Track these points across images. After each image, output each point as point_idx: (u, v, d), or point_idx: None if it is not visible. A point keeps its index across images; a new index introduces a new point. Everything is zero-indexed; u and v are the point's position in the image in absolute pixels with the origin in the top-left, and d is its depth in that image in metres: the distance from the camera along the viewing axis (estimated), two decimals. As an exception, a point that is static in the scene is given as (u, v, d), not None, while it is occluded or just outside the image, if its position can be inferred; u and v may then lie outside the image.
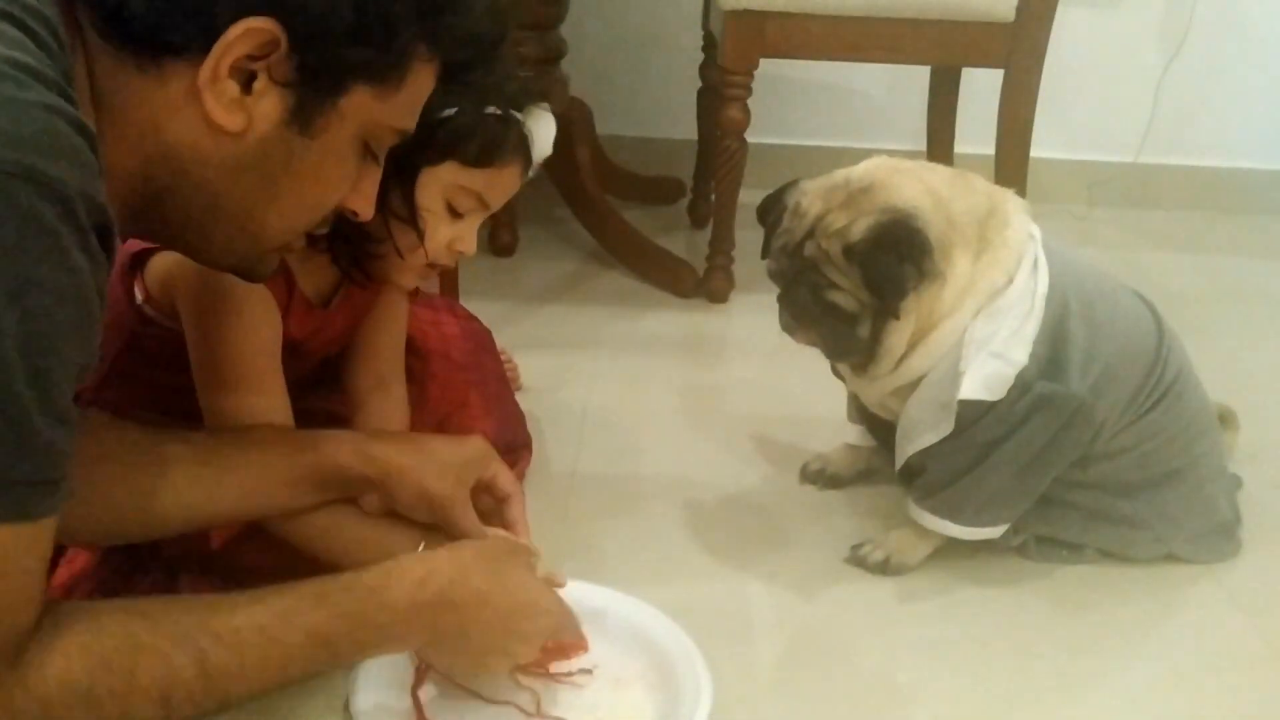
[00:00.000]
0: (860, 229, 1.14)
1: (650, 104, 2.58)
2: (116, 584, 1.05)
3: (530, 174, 1.09)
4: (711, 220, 2.02)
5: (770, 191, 1.26)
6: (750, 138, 1.93)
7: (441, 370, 1.33)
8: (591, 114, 2.35)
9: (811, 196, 1.19)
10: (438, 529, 1.00)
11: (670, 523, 1.34)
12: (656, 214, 2.41)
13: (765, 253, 1.25)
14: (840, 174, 1.20)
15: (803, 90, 2.57)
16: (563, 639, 0.95)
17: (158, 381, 1.06)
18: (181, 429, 0.98)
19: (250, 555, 1.03)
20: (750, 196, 1.99)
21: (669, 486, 1.41)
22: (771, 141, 2.38)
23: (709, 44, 2.26)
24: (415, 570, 0.87)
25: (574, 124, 2.21)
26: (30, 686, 0.68)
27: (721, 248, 2.00)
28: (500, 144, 1.02)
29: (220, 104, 0.71)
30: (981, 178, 1.23)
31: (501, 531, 1.03)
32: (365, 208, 0.87)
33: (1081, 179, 2.64)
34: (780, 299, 1.24)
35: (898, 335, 1.17)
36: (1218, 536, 1.29)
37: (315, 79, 0.73)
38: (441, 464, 1.00)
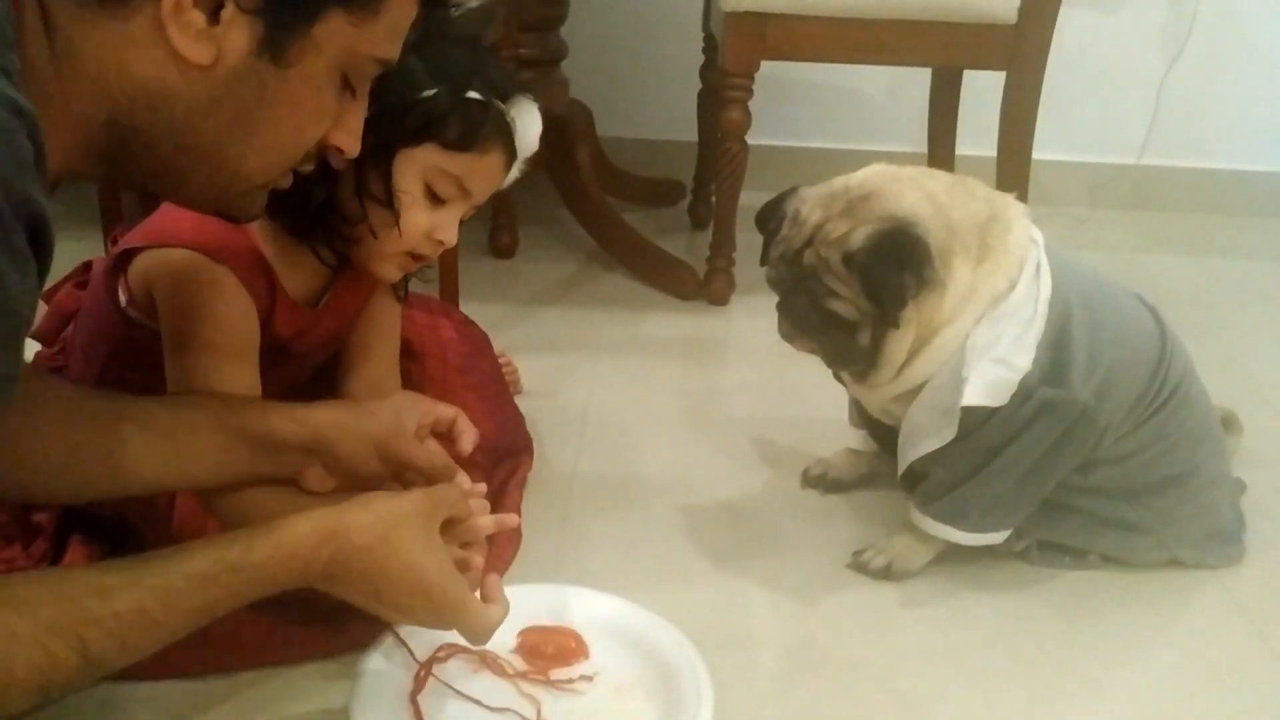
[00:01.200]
0: (860, 237, 1.13)
1: (650, 106, 2.58)
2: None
3: (518, 170, 1.08)
4: (712, 222, 2.02)
5: (770, 196, 1.26)
6: (750, 140, 1.92)
7: (439, 373, 1.32)
8: (592, 116, 2.34)
9: (811, 204, 1.18)
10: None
11: (670, 527, 1.33)
12: (657, 216, 2.40)
13: (764, 260, 1.24)
14: (839, 181, 1.19)
15: (803, 92, 2.57)
16: (443, 626, 0.92)
17: (146, 386, 1.05)
18: (132, 396, 0.95)
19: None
20: (751, 199, 1.99)
21: (669, 490, 1.41)
22: (772, 143, 2.38)
23: (709, 46, 2.25)
24: (303, 543, 0.83)
25: (574, 126, 2.21)
26: None
27: (722, 250, 1.99)
28: (480, 127, 1.01)
29: (186, 35, 0.68)
30: (982, 184, 1.22)
31: (441, 487, 0.98)
32: (350, 143, 0.83)
33: (1083, 181, 2.63)
34: (779, 307, 1.23)
35: (898, 343, 1.16)
36: (1222, 542, 1.29)
37: (286, 5, 0.70)
38: (376, 412, 1.00)
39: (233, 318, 1.01)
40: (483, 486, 1.05)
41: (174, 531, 1.04)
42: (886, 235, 1.12)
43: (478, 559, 0.97)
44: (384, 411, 1.00)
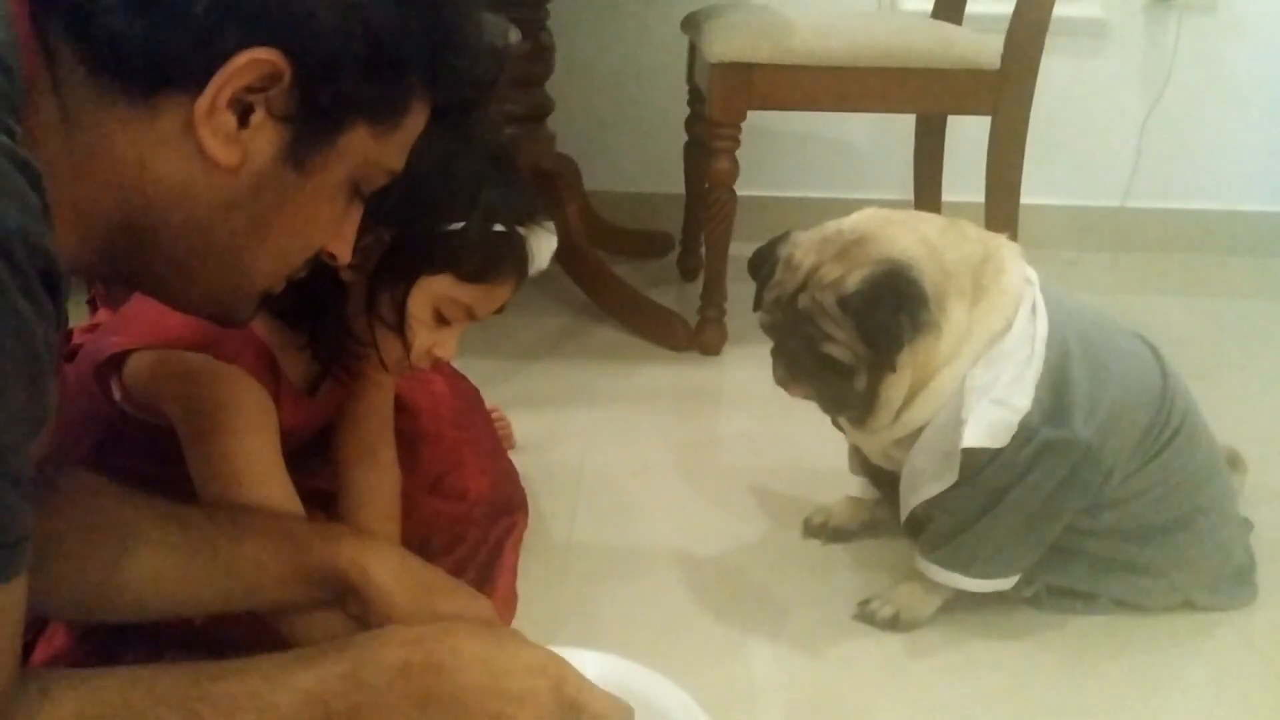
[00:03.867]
0: (854, 281, 1.12)
1: (637, 159, 2.59)
2: (97, 663, 1.00)
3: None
4: (703, 272, 2.01)
5: (759, 244, 1.25)
6: (738, 190, 1.92)
7: (433, 428, 1.30)
8: (579, 170, 2.35)
9: (804, 248, 1.17)
10: None
11: (670, 583, 1.30)
12: (646, 268, 2.40)
13: (757, 305, 1.23)
14: (832, 225, 1.19)
15: (787, 142, 2.59)
16: (564, 695, 0.88)
17: (142, 472, 1.02)
18: (176, 505, 0.93)
19: (235, 631, 0.99)
20: (739, 249, 1.99)
21: (668, 545, 1.38)
22: (758, 193, 2.39)
23: (694, 99, 2.27)
24: (407, 633, 0.83)
25: (561, 180, 2.21)
26: None
27: (713, 299, 1.98)
28: (501, 263, 1.01)
29: (216, 137, 0.68)
30: (974, 225, 1.22)
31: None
32: (344, 251, 0.83)
33: (1070, 224, 2.65)
34: (774, 352, 1.21)
35: (895, 388, 1.15)
36: (1234, 582, 1.26)
37: (316, 115, 0.70)
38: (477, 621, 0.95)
39: (256, 416, 0.98)
40: None
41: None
42: (882, 278, 1.11)
43: None
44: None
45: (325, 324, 1.01)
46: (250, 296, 0.81)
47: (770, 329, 1.21)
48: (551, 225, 1.06)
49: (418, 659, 0.81)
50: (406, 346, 1.01)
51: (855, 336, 1.13)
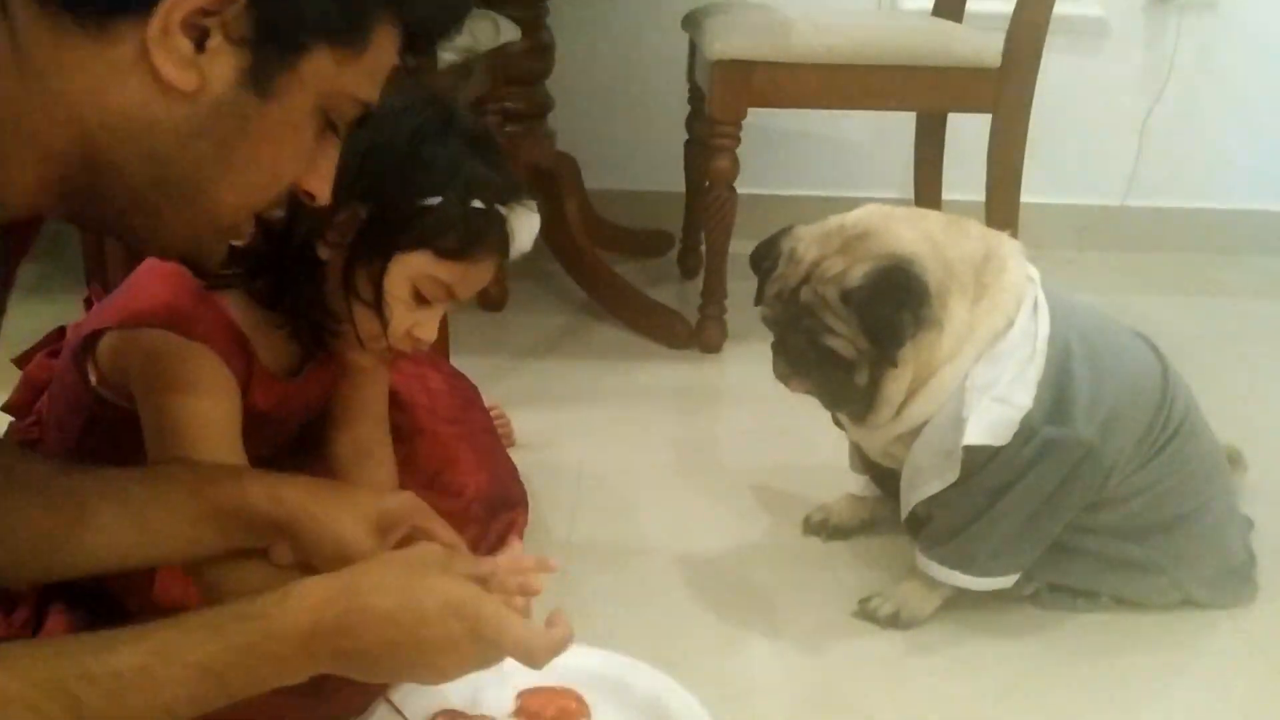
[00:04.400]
0: (858, 275, 1.12)
1: (637, 158, 2.59)
2: None
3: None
4: (703, 270, 2.01)
5: (761, 239, 1.25)
6: (738, 188, 1.92)
7: (429, 424, 1.29)
8: (579, 168, 2.35)
9: (807, 242, 1.17)
10: None
11: (671, 580, 1.30)
12: (646, 266, 2.40)
13: (759, 299, 1.23)
14: (834, 220, 1.18)
15: (787, 139, 2.59)
16: (483, 635, 0.82)
17: (123, 461, 1.02)
18: (107, 471, 0.91)
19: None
20: (740, 246, 1.99)
21: (669, 543, 1.38)
22: (758, 191, 2.39)
23: (694, 97, 2.27)
24: (313, 595, 0.79)
25: (562, 178, 2.21)
26: None
27: (714, 297, 1.98)
28: (480, 240, 0.98)
29: (171, 61, 0.66)
30: (976, 223, 1.22)
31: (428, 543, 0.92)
32: (322, 189, 0.80)
33: (1070, 222, 2.65)
34: (774, 346, 1.21)
35: (896, 384, 1.15)
36: (1234, 580, 1.26)
37: (273, 36, 0.68)
38: (359, 512, 0.92)
39: (213, 387, 0.97)
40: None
41: (154, 599, 1.00)
42: (885, 273, 1.11)
43: (518, 599, 0.89)
44: (367, 522, 0.93)
45: (302, 302, 1.00)
46: (220, 232, 0.78)
47: (771, 323, 1.21)
48: (534, 205, 1.03)
49: (327, 621, 0.78)
50: (384, 324, 0.99)
51: (857, 331, 1.12)
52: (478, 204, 0.97)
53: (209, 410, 0.96)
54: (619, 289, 2.13)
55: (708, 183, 1.93)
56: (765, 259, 1.22)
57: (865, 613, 1.22)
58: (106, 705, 0.70)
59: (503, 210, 0.99)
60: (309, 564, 0.91)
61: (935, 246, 1.15)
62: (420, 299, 1.00)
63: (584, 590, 1.27)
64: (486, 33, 1.79)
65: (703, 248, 2.02)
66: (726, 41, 1.83)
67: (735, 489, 1.52)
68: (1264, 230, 2.70)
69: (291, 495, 0.91)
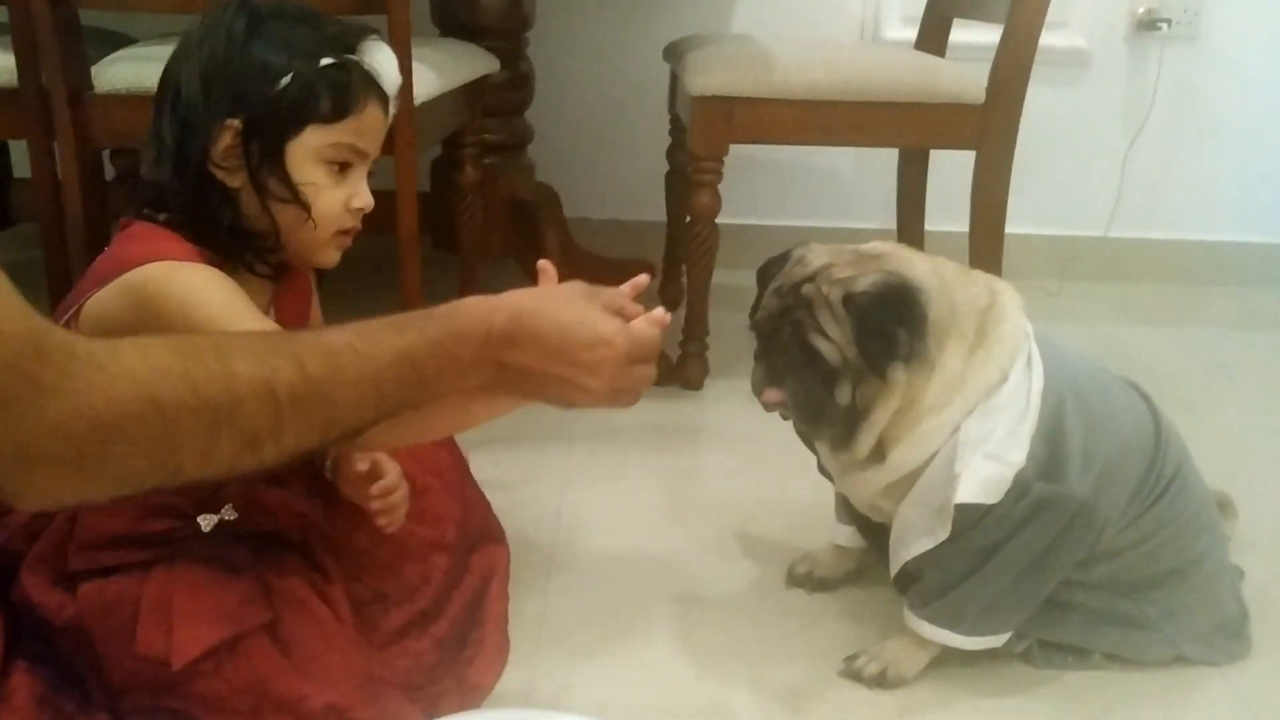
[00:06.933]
0: (865, 282, 1.11)
1: (617, 187, 2.56)
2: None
3: (392, 109, 1.07)
4: (685, 305, 1.98)
5: (740, 276, 1.24)
6: (719, 219, 1.89)
7: (395, 455, 1.26)
8: (559, 198, 2.32)
9: (819, 252, 1.17)
10: None
11: (652, 631, 1.27)
12: (627, 298, 2.36)
13: (754, 310, 1.20)
14: (850, 245, 1.18)
15: (770, 170, 2.57)
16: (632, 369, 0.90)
17: None
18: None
19: (213, 684, 0.95)
20: (721, 277, 1.97)
21: (650, 592, 1.34)
22: (739, 222, 2.36)
23: (676, 128, 2.24)
24: (479, 305, 0.86)
25: (541, 208, 2.18)
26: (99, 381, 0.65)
27: (696, 333, 1.95)
28: (347, 90, 1.00)
29: None
30: (982, 272, 1.21)
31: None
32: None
33: (1054, 254, 2.64)
34: (757, 355, 1.18)
35: (878, 410, 1.11)
36: (1226, 636, 1.24)
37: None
38: (561, 290, 0.93)
39: (206, 272, 0.96)
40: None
41: (136, 649, 0.97)
42: (892, 287, 1.09)
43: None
44: (574, 292, 0.93)
45: (230, 232, 1.01)
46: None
47: (762, 322, 1.17)
48: (378, 36, 1.05)
49: (496, 329, 0.85)
50: (308, 210, 1.00)
51: (850, 339, 1.10)
52: (327, 60, 1.00)
53: (229, 290, 0.96)
54: (599, 322, 2.10)
55: (689, 218, 1.90)
56: (771, 270, 1.20)
57: (851, 672, 1.19)
58: (324, 367, 0.77)
59: (352, 56, 1.02)
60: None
61: (945, 285, 1.13)
62: (339, 170, 1.02)
63: (563, 640, 1.23)
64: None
65: (684, 279, 1.99)
66: (708, 77, 1.80)
67: (717, 533, 1.49)
68: (1247, 261, 2.70)
69: (506, 302, 0.91)
